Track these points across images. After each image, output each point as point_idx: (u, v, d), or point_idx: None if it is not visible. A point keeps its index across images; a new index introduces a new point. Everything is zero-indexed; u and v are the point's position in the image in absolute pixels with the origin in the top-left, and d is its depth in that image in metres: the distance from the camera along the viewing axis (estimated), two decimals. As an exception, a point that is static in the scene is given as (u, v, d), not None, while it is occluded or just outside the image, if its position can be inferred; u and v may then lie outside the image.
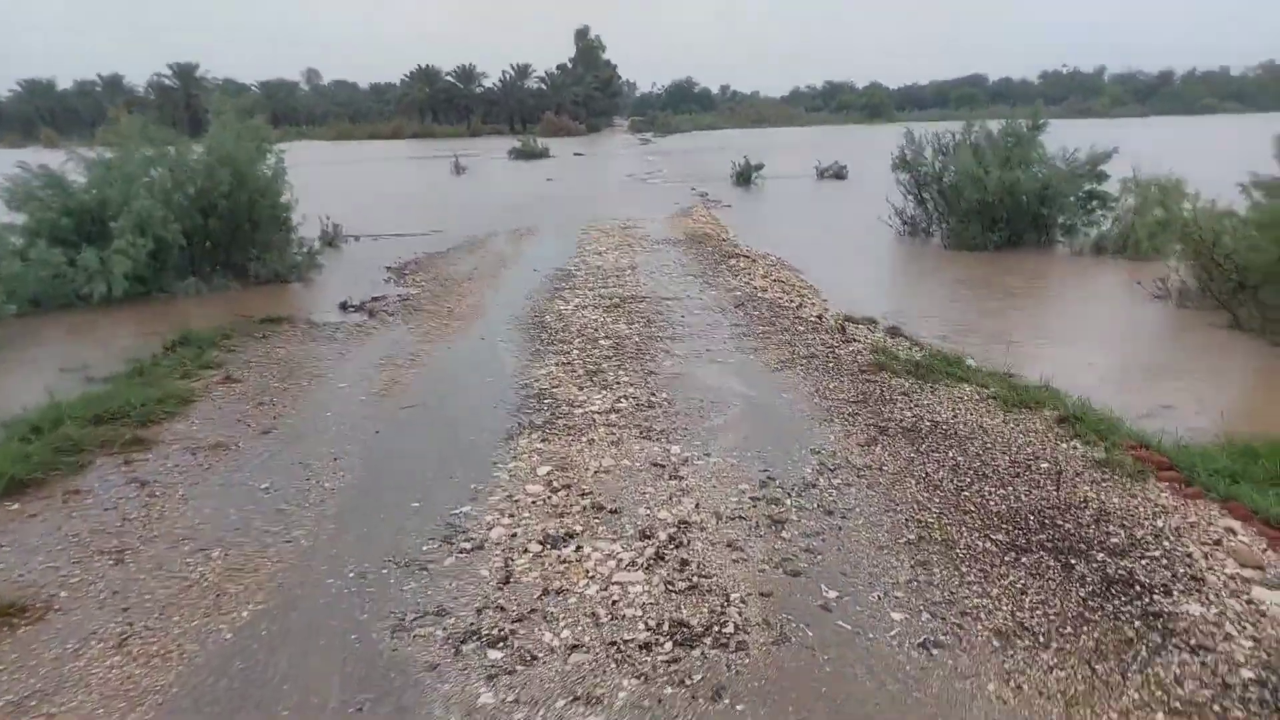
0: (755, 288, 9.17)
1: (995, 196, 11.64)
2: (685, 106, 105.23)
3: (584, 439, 4.78)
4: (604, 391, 5.65)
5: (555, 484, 4.18)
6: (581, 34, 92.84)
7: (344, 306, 8.81)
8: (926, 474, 4.14)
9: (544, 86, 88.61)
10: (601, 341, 6.99)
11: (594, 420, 5.09)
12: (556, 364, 6.39)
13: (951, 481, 4.04)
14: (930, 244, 12.97)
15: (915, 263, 11.66)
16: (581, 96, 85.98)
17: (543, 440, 4.79)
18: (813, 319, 7.69)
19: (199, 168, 10.14)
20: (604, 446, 4.66)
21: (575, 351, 6.73)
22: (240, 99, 13.03)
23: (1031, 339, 7.15)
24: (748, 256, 11.39)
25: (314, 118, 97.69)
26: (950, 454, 4.36)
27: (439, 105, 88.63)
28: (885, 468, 4.24)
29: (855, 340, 6.83)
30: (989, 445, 4.44)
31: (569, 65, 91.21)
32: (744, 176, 24.05)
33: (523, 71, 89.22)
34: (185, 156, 10.43)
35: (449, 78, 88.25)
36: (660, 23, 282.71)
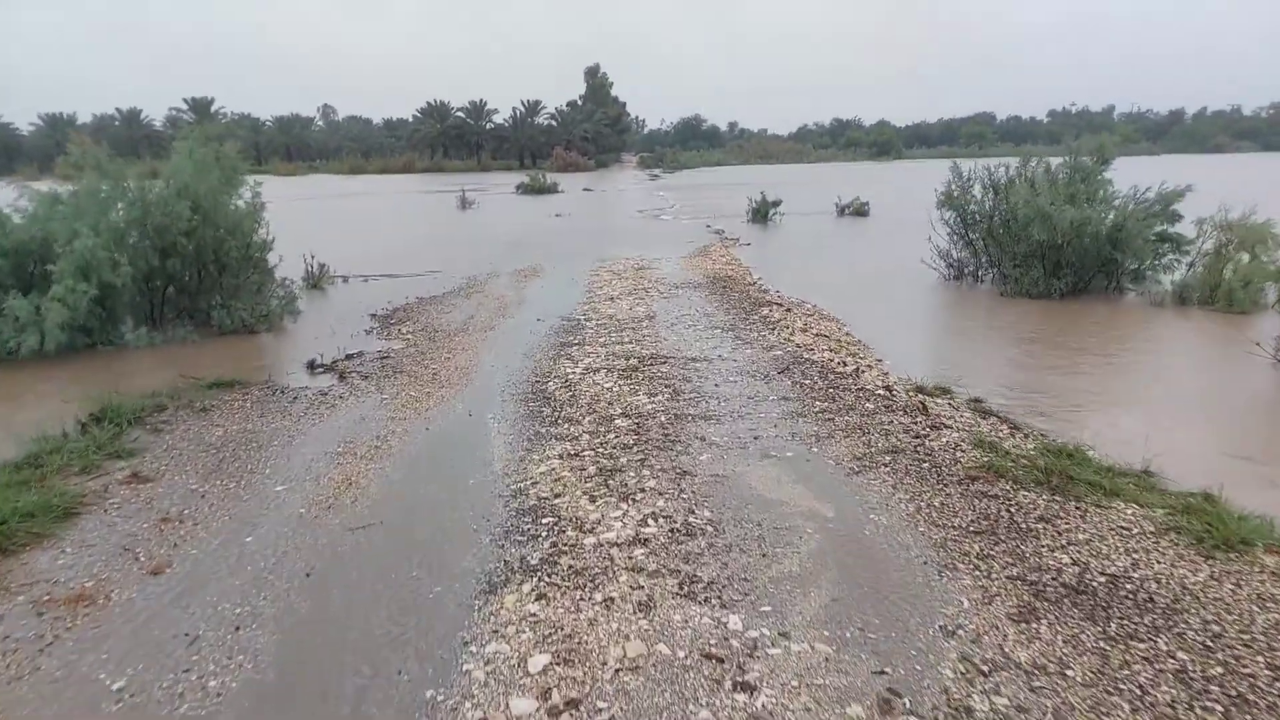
0: (798, 345, 7.69)
1: (1064, 238, 10.18)
2: (693, 143, 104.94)
3: (598, 596, 3.27)
4: (624, 505, 4.13)
5: (556, 696, 2.66)
6: (592, 71, 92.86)
7: (312, 366, 7.36)
8: (1140, 690, 2.60)
9: (554, 123, 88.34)
10: (618, 421, 5.49)
11: (611, 559, 3.58)
12: (561, 456, 4.88)
13: (1191, 711, 2.50)
14: (979, 290, 11.49)
15: (970, 312, 10.17)
16: (591, 133, 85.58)
17: (538, 597, 3.27)
18: (878, 390, 6.18)
19: (155, 201, 8.76)
20: (628, 613, 3.14)
21: (585, 436, 5.23)
22: (210, 127, 11.27)
23: (1139, 413, 5.63)
24: (780, 304, 9.93)
25: (327, 152, 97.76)
26: (1163, 645, 2.83)
27: (450, 141, 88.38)
28: (1068, 672, 2.71)
29: (944, 425, 5.31)
30: (1218, 631, 2.90)
31: (579, 102, 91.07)
32: (761, 213, 22.71)
33: (533, 108, 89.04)
34: (145, 190, 9.06)
35: (460, 114, 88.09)
36: (668, 62, 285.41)
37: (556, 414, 5.72)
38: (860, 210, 23.80)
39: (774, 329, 8.48)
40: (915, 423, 5.34)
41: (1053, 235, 10.22)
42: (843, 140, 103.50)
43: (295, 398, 6.35)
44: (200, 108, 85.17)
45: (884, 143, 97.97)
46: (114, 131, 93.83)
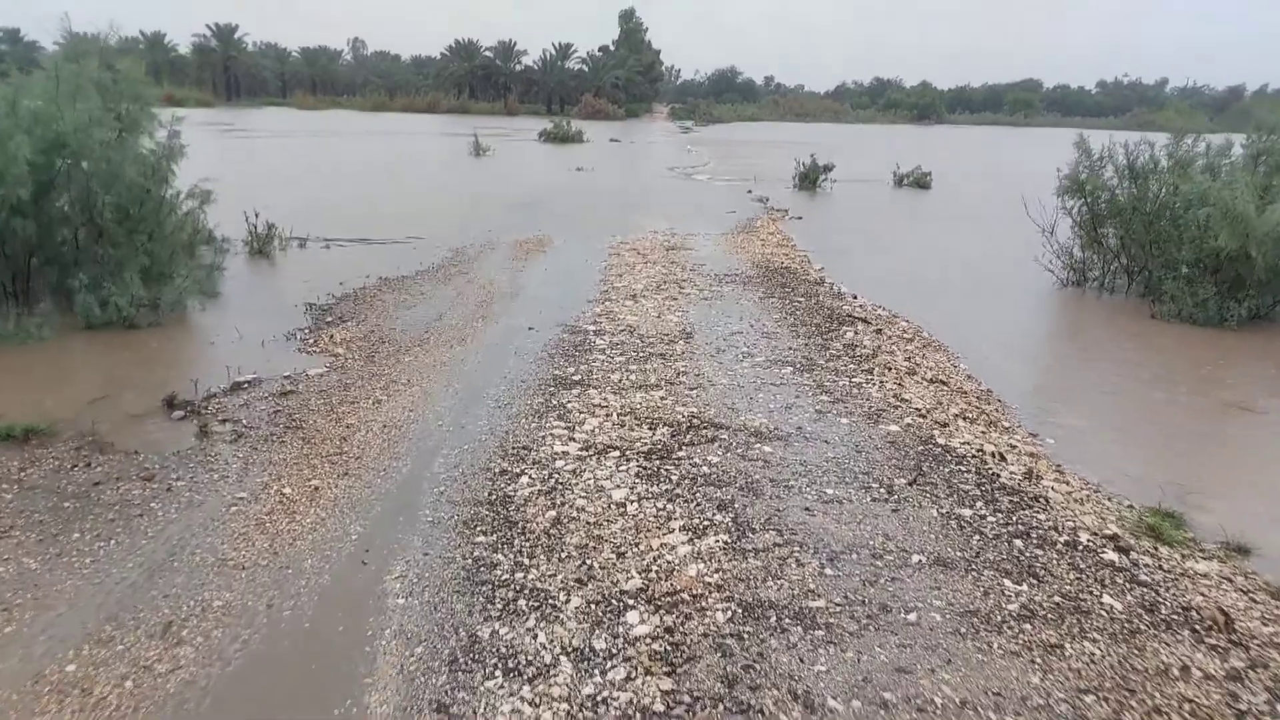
0: (916, 409, 4.94)
1: (1261, 247, 7.28)
2: (728, 96, 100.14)
3: None
4: None
5: None
6: (626, 16, 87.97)
7: (170, 405, 4.71)
8: None
9: (585, 68, 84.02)
10: (631, 617, 2.82)
11: None
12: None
13: None
14: (1113, 303, 8.63)
15: (1123, 345, 7.31)
16: (622, 80, 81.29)
17: None
18: (1098, 542, 3.44)
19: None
20: None
21: (564, 665, 2.57)
22: (84, 42, 8.14)
23: None
24: (864, 320, 7.15)
25: (354, 87, 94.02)
26: None
27: (477, 82, 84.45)
28: None
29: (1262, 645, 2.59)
30: None
31: (611, 48, 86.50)
32: (810, 179, 19.65)
33: (564, 51, 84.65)
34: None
35: (488, 54, 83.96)
36: (706, 10, 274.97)
37: (515, 575, 3.05)
38: (922, 182, 20.66)
39: (868, 369, 5.72)
40: (1223, 659, 2.63)
41: (1245, 243, 7.31)
42: (883, 101, 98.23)
43: (96, 483, 3.73)
44: (224, 34, 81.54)
45: (926, 105, 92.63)
46: (138, 54, 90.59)
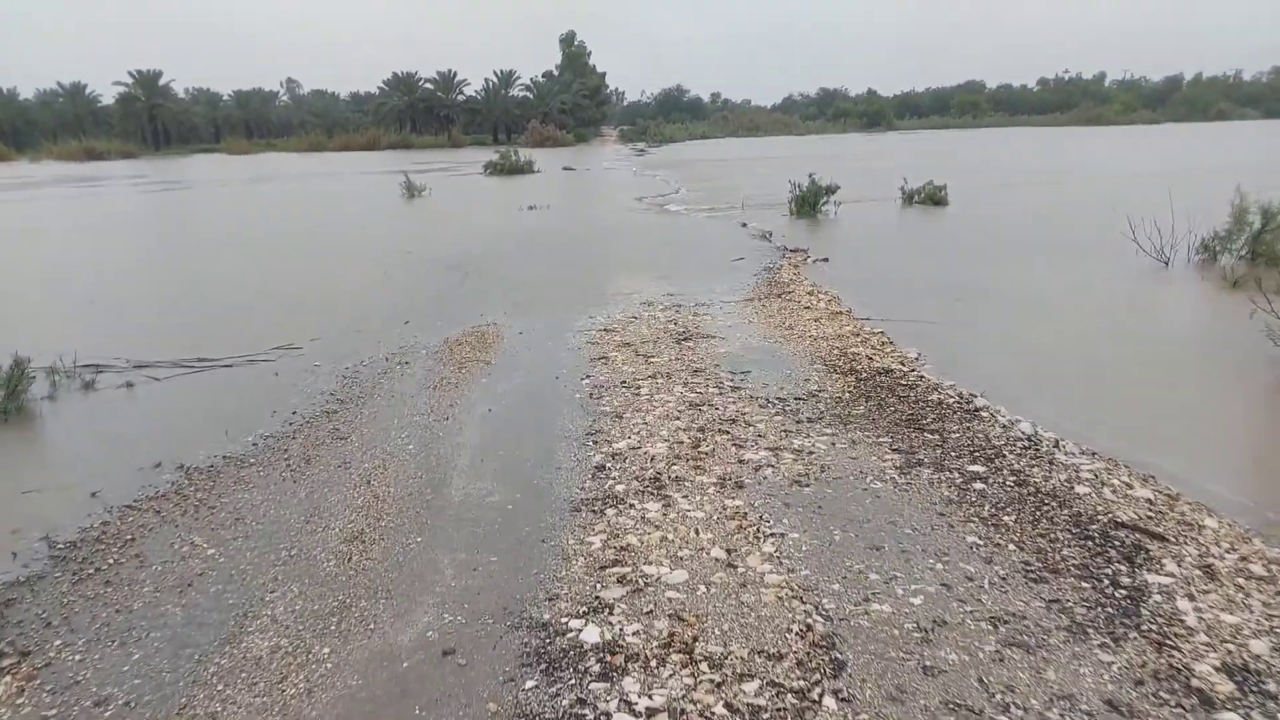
0: None
1: None
2: (676, 115, 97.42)
3: None
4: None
5: None
6: (567, 40, 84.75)
7: None
8: None
9: (529, 95, 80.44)
10: None
11: None
12: None
13: None
14: None
15: None
16: (569, 105, 77.90)
17: None
18: None
19: None
20: None
21: None
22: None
23: None
24: (1148, 531, 3.48)
25: (290, 128, 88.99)
26: None
27: (418, 115, 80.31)
28: None
29: None
30: None
31: (555, 73, 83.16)
32: (808, 203, 16.14)
33: (507, 79, 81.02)
34: None
35: (428, 85, 80.00)
36: (644, 32, 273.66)
37: None
38: (936, 198, 17.29)
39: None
40: None
41: None
42: (831, 111, 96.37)
43: None
44: (148, 82, 76.18)
45: (874, 113, 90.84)
46: (59, 108, 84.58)
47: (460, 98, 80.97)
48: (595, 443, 4.50)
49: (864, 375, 5.60)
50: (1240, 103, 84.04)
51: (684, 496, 3.78)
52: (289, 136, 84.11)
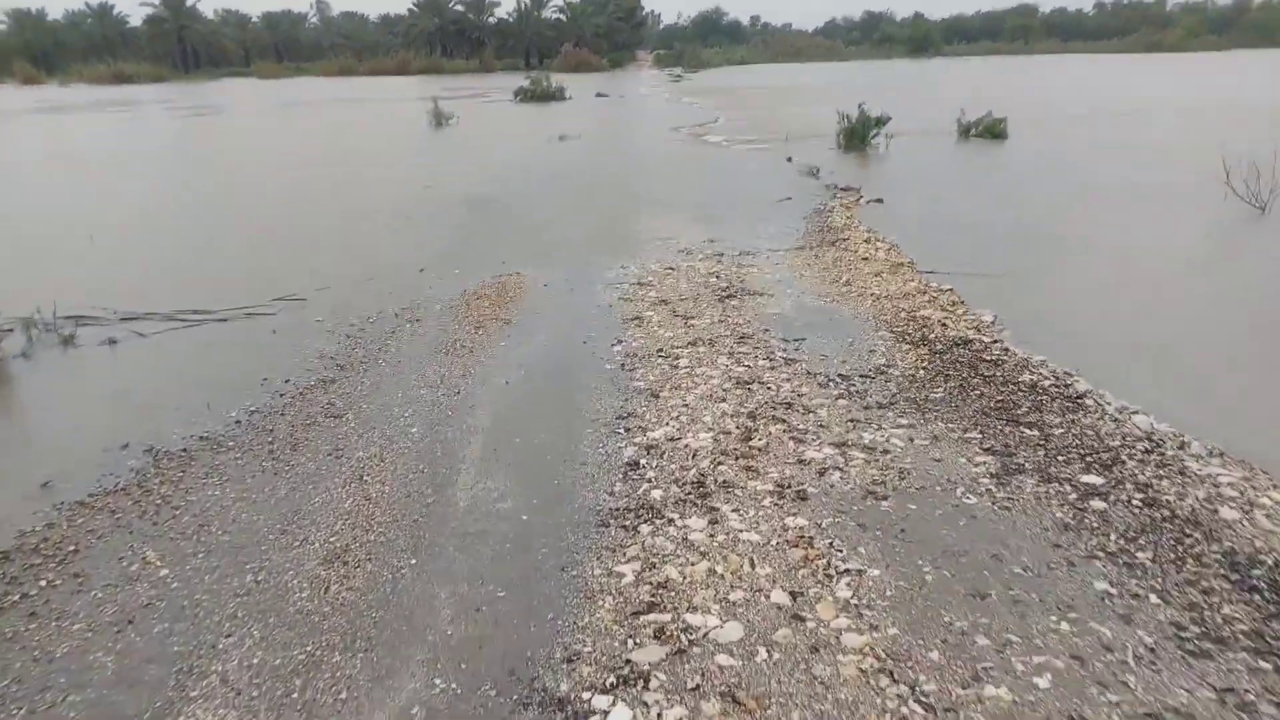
0: None
1: None
2: (714, 39, 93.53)
3: None
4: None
5: None
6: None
7: None
8: None
9: (562, 18, 77.44)
10: None
11: None
12: None
13: None
14: None
15: None
16: (604, 28, 74.93)
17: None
18: None
19: None
20: None
21: None
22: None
23: None
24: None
25: (320, 51, 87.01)
26: None
27: (449, 38, 77.92)
28: None
29: None
30: None
31: (589, -7, 79.71)
32: (858, 136, 14.95)
33: (540, 0, 77.92)
34: None
35: (458, 8, 77.29)
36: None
37: None
38: (995, 130, 15.93)
39: None
40: None
41: None
42: (876, 35, 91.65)
43: None
44: (174, 2, 74.55)
45: (922, 38, 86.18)
46: (88, 29, 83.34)
47: (492, 20, 78.30)
48: (627, 430, 3.81)
49: (938, 346, 4.81)
50: (1318, 27, 77.94)
51: (734, 510, 3.10)
52: (319, 60, 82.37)
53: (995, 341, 4.89)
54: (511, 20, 77.96)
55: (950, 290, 6.06)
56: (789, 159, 13.47)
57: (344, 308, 5.80)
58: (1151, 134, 17.07)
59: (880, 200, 9.87)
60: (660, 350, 4.82)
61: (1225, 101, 23.33)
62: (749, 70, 61.40)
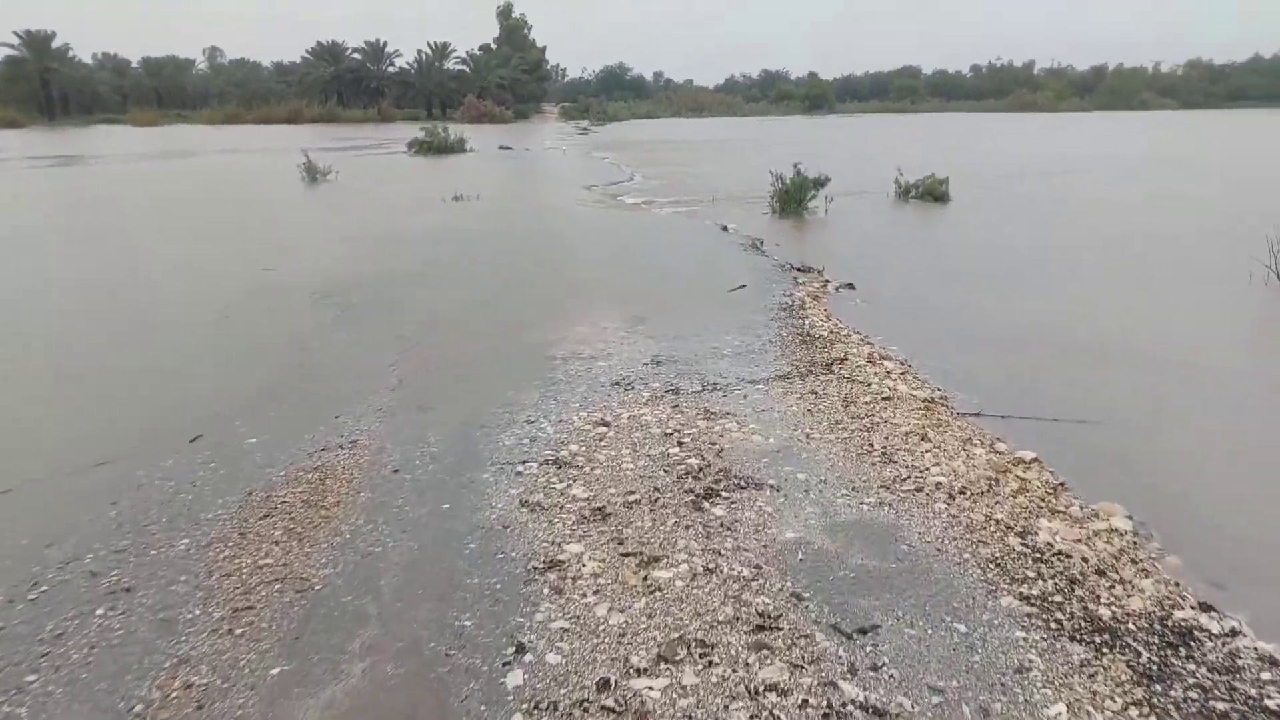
0: None
1: None
2: (618, 93, 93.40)
3: None
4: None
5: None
6: (504, 12, 79.52)
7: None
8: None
9: (466, 69, 75.19)
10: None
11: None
12: None
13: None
14: None
15: None
16: (508, 80, 73.08)
17: None
18: None
19: None
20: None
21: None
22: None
23: None
24: None
25: (207, 99, 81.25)
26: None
27: (346, 86, 74.28)
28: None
29: None
30: None
31: (493, 46, 77.94)
32: (793, 199, 13.04)
33: (441, 51, 75.53)
34: None
35: (356, 56, 74.01)
36: (585, 6, 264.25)
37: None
38: (936, 192, 14.39)
39: None
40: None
41: None
42: (773, 93, 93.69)
43: None
44: (38, 43, 67.97)
45: (816, 96, 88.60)
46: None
47: (391, 69, 75.27)
48: None
49: (1129, 638, 2.48)
50: (1159, 93, 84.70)
51: None
52: (205, 108, 76.69)
53: (1224, 627, 2.61)
54: (412, 70, 75.12)
55: (1036, 461, 3.84)
56: (724, 228, 11.34)
57: (20, 544, 3.02)
58: (1088, 192, 16.00)
59: (852, 285, 7.76)
60: (607, 684, 2.29)
61: (1126, 156, 23.07)
62: (655, 123, 60.66)
